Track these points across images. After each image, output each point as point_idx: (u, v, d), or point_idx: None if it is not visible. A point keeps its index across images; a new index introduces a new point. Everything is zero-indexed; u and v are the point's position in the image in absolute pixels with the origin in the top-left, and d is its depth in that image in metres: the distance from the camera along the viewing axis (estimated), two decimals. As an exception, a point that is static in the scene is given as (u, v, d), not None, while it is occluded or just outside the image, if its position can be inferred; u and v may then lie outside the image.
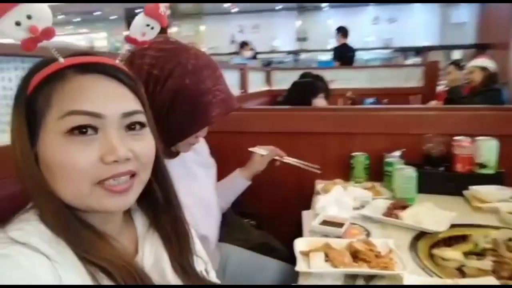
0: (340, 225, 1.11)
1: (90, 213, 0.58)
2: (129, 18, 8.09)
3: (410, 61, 5.91)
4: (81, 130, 0.53)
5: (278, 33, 7.31)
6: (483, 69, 3.16)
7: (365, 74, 4.30)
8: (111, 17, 8.46)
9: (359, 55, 7.02)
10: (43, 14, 0.55)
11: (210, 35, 7.80)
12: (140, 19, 0.65)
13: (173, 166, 1.09)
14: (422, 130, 1.48)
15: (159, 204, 0.68)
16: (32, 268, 0.47)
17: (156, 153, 0.63)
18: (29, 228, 0.52)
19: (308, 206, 1.38)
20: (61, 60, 0.56)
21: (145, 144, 0.60)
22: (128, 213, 0.69)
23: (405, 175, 1.29)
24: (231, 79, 3.18)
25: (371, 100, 3.97)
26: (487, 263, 0.92)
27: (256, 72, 4.28)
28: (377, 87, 4.23)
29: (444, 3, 6.23)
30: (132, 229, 0.68)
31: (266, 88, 4.56)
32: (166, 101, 0.95)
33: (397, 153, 1.48)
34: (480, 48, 5.58)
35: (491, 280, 0.78)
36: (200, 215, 1.11)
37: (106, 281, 0.54)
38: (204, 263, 0.77)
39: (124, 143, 0.56)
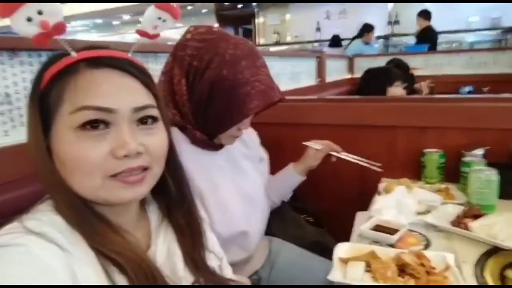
0: (394, 231, 0.98)
1: (104, 205, 0.58)
2: (218, 11, 8.38)
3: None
4: (92, 124, 0.54)
5: (367, 17, 6.86)
6: None
7: (462, 58, 3.82)
8: (203, 11, 8.84)
9: (462, 37, 6.29)
10: (54, 9, 0.56)
11: (295, 23, 7.68)
12: (151, 12, 0.63)
13: (218, 159, 1.09)
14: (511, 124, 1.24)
15: (172, 197, 0.68)
16: (46, 258, 0.49)
17: (169, 146, 0.63)
18: (44, 218, 0.53)
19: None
20: (73, 54, 0.57)
21: (157, 139, 0.59)
22: (143, 207, 0.69)
23: (482, 178, 1.09)
24: (307, 68, 3.08)
25: (467, 88, 3.53)
26: None
27: (337, 60, 4.10)
28: (476, 73, 3.74)
29: None
30: (146, 223, 0.68)
31: (348, 76, 4.35)
32: (204, 93, 0.94)
33: (480, 152, 1.27)
34: None
35: None
36: (242, 210, 1.09)
37: (117, 275, 0.54)
38: (218, 259, 0.76)
39: (135, 138, 0.56)
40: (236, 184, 1.11)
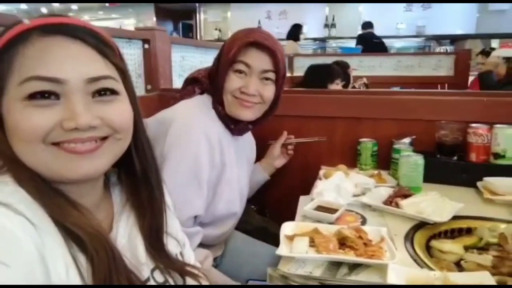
0: (334, 211, 1.05)
1: (65, 184, 0.55)
2: (158, 4, 8.14)
3: (441, 49, 5.61)
4: (42, 95, 0.51)
5: (306, 19, 7.13)
6: (508, 59, 2.79)
7: (392, 61, 4.13)
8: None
9: (389, 43, 6.76)
10: None
11: (237, 21, 7.71)
12: None
13: (234, 144, 1.19)
14: (435, 116, 1.38)
15: (137, 176, 0.65)
16: (15, 229, 0.46)
17: (136, 124, 0.61)
18: (8, 189, 0.50)
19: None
20: (26, 21, 0.54)
21: (116, 109, 0.56)
22: (107, 189, 0.67)
23: (411, 162, 1.21)
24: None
25: (396, 89, 3.81)
26: (487, 257, 0.84)
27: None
28: (404, 75, 4.06)
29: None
30: (109, 206, 0.66)
31: (288, 74, 4.47)
32: (214, 63, 1.19)
33: (407, 140, 1.40)
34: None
35: (485, 275, 0.71)
36: (238, 195, 1.20)
37: (79, 254, 0.52)
38: (180, 246, 0.75)
39: (89, 110, 0.53)
40: (238, 173, 1.20)
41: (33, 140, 0.51)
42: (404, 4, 6.28)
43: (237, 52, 1.06)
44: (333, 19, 6.90)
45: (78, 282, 0.51)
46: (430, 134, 1.38)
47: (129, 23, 8.45)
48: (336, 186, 1.21)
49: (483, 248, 0.92)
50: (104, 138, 0.55)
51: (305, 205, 1.13)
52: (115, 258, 0.55)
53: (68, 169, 0.53)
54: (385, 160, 1.45)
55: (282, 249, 0.84)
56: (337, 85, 2.23)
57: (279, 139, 1.46)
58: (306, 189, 1.40)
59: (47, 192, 0.53)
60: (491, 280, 0.68)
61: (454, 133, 1.33)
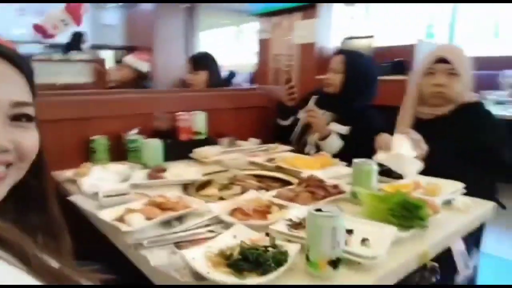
0: (124, 193, 1.20)
1: None
2: None
3: (80, 56, 5.85)
4: None
5: None
6: (133, 69, 3.19)
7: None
8: None
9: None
10: None
11: None
12: (57, 13, 0.56)
13: None
14: (152, 110, 1.74)
15: (31, 197, 0.62)
16: None
17: (40, 147, 0.60)
18: None
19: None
20: None
21: (30, 136, 0.56)
22: None
23: (153, 146, 1.53)
24: None
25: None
26: (236, 189, 1.33)
27: None
28: (47, 83, 4.01)
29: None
30: None
31: None
32: None
33: (135, 131, 1.67)
34: (128, 50, 6.31)
35: (253, 192, 1.19)
36: None
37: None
38: None
39: (6, 133, 0.52)
40: None
41: None
42: (17, 8, 5.92)
43: None
44: None
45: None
46: (149, 124, 1.73)
47: None
48: (100, 178, 1.33)
49: (226, 187, 1.41)
50: (8, 165, 0.55)
51: (85, 202, 1.20)
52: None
53: None
54: (116, 152, 1.65)
55: (124, 227, 0.96)
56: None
57: None
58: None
59: None
60: (257, 194, 1.17)
61: (167, 121, 1.75)
